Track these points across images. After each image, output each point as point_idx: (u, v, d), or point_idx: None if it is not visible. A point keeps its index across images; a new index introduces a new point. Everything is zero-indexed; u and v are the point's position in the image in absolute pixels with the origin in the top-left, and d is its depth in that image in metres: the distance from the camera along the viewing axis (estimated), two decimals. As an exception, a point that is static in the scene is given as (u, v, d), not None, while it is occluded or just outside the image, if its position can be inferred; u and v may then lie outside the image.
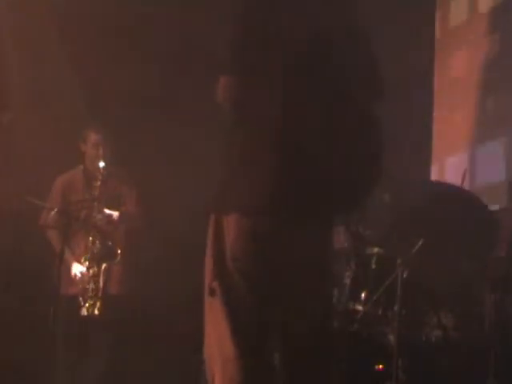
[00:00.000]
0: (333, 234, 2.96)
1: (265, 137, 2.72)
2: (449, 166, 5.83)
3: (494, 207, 4.70)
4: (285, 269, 2.75)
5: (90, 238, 5.01)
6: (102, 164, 5.05)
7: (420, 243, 3.86)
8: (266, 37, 2.73)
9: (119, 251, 5.00)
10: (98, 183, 5.06)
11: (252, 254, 2.72)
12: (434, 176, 5.91)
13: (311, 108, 2.73)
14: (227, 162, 2.79)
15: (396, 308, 3.83)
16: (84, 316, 4.92)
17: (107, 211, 5.08)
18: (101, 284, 4.95)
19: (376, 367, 4.00)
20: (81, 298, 4.93)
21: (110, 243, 4.98)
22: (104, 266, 4.97)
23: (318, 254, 2.84)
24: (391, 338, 3.89)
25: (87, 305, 4.91)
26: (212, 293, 2.77)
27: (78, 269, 5.04)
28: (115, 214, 5.10)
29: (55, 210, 5.07)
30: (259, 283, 2.73)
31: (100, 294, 4.93)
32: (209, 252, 2.83)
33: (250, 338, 2.73)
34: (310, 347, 2.79)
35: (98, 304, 4.91)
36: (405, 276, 3.88)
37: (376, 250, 4.25)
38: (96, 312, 4.90)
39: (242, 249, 2.72)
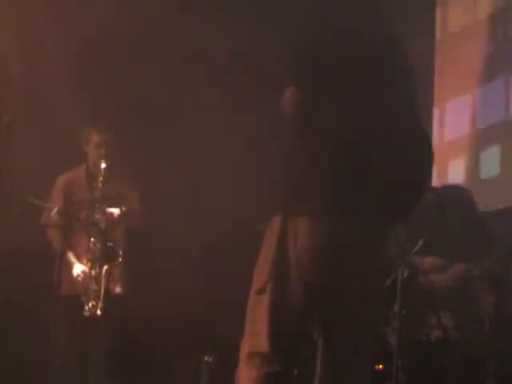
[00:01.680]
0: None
1: (332, 143, 2.75)
2: (450, 167, 5.84)
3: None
4: (347, 279, 2.76)
5: (92, 239, 5.01)
6: (103, 164, 5.04)
7: (420, 243, 3.87)
8: (330, 50, 2.80)
9: (120, 252, 4.99)
10: (100, 183, 5.05)
11: (320, 266, 2.72)
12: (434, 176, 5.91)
13: (370, 118, 2.78)
14: (295, 168, 2.80)
15: (396, 308, 3.83)
16: (86, 316, 4.91)
17: (108, 210, 5.07)
18: (103, 284, 4.94)
19: (376, 367, 4.00)
20: (83, 298, 4.93)
21: (111, 244, 4.97)
22: (106, 267, 4.96)
23: (379, 260, 2.88)
24: (391, 338, 3.90)
25: (90, 305, 4.91)
26: (261, 292, 2.77)
27: (79, 269, 5.03)
28: (117, 211, 5.09)
29: (56, 209, 5.07)
30: (319, 294, 2.74)
31: (102, 295, 4.92)
32: (267, 252, 2.80)
33: (287, 340, 2.75)
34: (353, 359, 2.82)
35: (100, 304, 4.90)
36: (405, 276, 3.88)
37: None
38: (98, 312, 4.89)
39: (310, 258, 2.72)
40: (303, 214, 2.75)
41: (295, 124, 2.84)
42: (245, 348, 2.80)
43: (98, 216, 5.02)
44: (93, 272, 4.95)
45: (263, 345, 2.72)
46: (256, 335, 2.76)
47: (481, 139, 5.53)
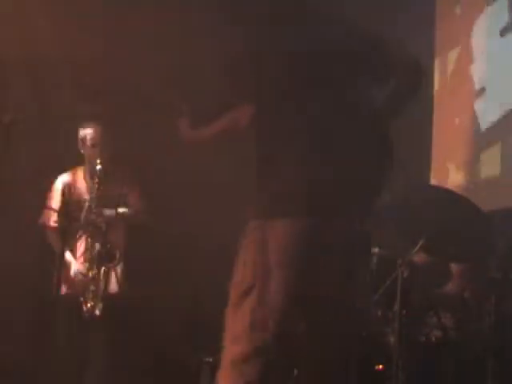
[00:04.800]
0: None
1: (299, 145, 2.80)
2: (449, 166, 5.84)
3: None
4: (330, 276, 2.79)
5: (89, 240, 5.01)
6: (98, 165, 5.04)
7: (420, 243, 3.87)
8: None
9: (118, 254, 4.99)
10: (96, 184, 5.04)
11: (303, 264, 2.76)
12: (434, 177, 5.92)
13: (332, 119, 2.82)
14: (265, 171, 2.83)
15: (396, 308, 3.83)
16: (85, 317, 4.91)
17: (108, 211, 5.07)
18: (101, 285, 4.95)
19: (376, 367, 4.00)
20: (81, 299, 4.93)
21: (108, 245, 4.98)
22: (103, 267, 4.96)
23: (359, 257, 2.92)
24: (391, 338, 3.89)
25: (88, 306, 4.91)
26: (245, 295, 2.78)
27: (78, 270, 5.04)
28: (116, 211, 5.08)
29: (55, 210, 5.08)
30: (299, 288, 2.76)
31: (100, 295, 4.92)
32: (247, 256, 2.84)
33: (271, 341, 2.76)
34: (337, 353, 2.84)
35: (99, 305, 4.90)
36: (405, 276, 3.88)
37: (376, 250, 4.26)
38: (97, 313, 4.90)
39: (293, 258, 2.76)
40: (282, 215, 2.76)
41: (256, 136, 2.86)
42: (228, 354, 2.78)
43: (96, 216, 5.02)
44: (90, 273, 4.96)
45: (245, 348, 2.72)
46: (238, 339, 2.75)
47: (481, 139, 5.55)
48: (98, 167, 5.03)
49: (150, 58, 5.69)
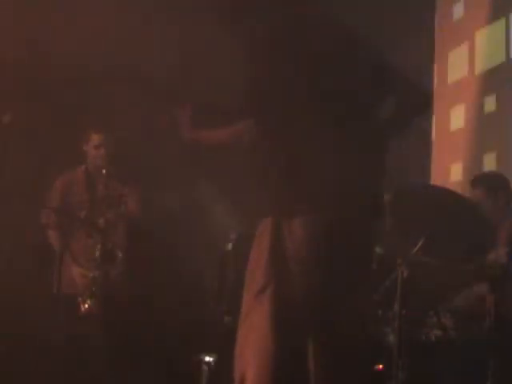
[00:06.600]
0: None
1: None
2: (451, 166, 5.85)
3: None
4: (343, 268, 2.82)
5: (90, 240, 5.02)
6: (100, 165, 5.05)
7: (420, 243, 3.87)
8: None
9: (120, 254, 5.00)
10: (99, 184, 5.05)
11: (320, 259, 2.79)
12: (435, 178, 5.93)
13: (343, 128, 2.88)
14: (279, 170, 2.87)
15: (396, 308, 3.83)
16: (83, 316, 4.92)
17: (108, 211, 5.07)
18: (100, 285, 4.95)
19: (376, 367, 4.00)
20: (80, 299, 4.94)
21: (110, 245, 4.98)
22: (104, 267, 4.97)
23: (367, 254, 2.95)
24: (391, 338, 3.89)
25: (86, 305, 4.92)
26: (261, 292, 2.80)
27: (78, 269, 5.04)
28: (116, 211, 5.09)
29: (55, 209, 5.08)
30: (318, 285, 2.79)
31: (100, 295, 4.93)
32: (262, 254, 2.86)
33: (293, 338, 2.77)
34: (350, 350, 2.86)
35: (98, 304, 4.91)
36: (405, 276, 3.88)
37: (376, 249, 4.26)
38: (96, 312, 4.90)
39: (310, 254, 2.79)
40: (298, 213, 2.78)
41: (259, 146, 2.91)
42: (248, 351, 2.79)
43: (97, 216, 5.03)
44: (91, 272, 4.96)
45: (270, 350, 2.74)
46: (260, 341, 2.76)
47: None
48: (100, 167, 5.04)
49: (161, 57, 5.70)
